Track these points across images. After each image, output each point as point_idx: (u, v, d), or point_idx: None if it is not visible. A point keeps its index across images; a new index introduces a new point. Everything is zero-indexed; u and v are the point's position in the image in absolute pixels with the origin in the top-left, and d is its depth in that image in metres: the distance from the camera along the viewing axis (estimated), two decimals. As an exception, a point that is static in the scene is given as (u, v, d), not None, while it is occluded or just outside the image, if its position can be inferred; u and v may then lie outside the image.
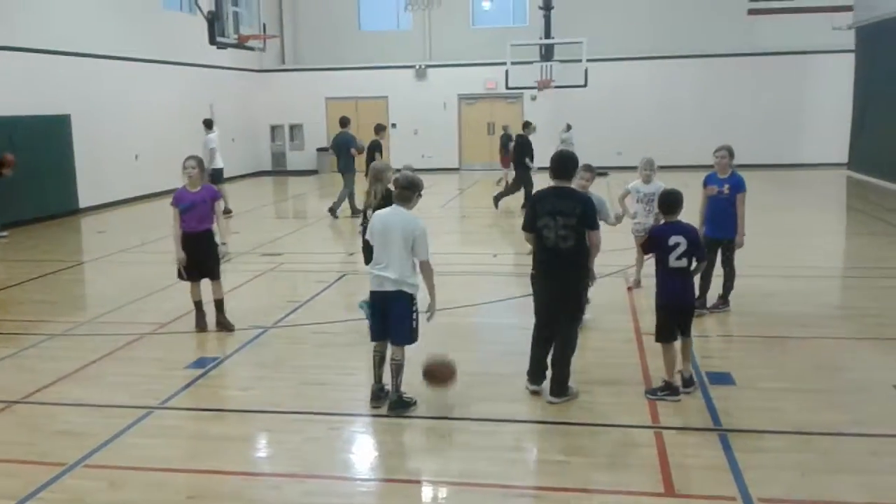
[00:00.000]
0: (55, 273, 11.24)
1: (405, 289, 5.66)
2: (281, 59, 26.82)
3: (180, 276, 7.85)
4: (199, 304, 7.98)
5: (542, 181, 7.39)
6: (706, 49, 23.98)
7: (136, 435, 5.54)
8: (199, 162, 7.84)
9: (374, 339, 5.90)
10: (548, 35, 23.38)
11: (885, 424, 5.42)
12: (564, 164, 5.97)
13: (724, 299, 8.24)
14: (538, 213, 5.86)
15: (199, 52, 18.96)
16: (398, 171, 6.49)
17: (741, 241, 7.99)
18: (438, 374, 5.78)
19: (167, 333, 7.99)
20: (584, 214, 5.74)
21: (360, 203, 15.75)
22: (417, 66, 25.95)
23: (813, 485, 4.62)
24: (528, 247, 6.16)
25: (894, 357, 6.93)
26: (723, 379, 6.30)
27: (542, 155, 22.38)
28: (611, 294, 8.94)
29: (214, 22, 14.79)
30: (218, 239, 7.86)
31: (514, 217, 17.09)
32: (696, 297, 7.03)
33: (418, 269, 5.76)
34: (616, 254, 9.67)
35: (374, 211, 6.30)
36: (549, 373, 6.04)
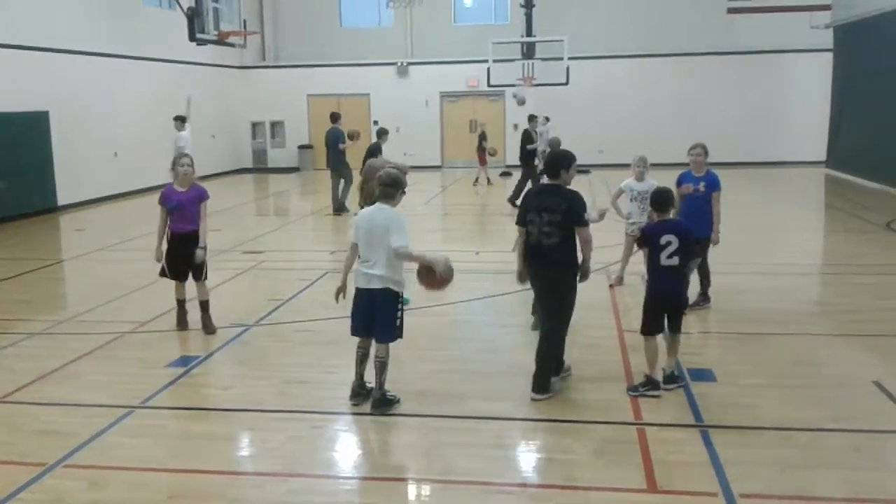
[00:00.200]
0: (34, 271, 11.13)
1: (391, 286, 5.67)
2: (262, 55, 26.70)
3: (163, 273, 7.75)
4: (181, 303, 7.89)
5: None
6: (686, 47, 24.13)
7: (118, 434, 5.50)
8: (192, 160, 7.73)
9: (354, 333, 5.89)
10: (529, 33, 23.42)
11: (865, 420, 5.49)
12: (554, 161, 6.01)
13: (704, 295, 8.32)
14: (528, 208, 5.94)
15: (179, 48, 18.87)
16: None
17: (717, 238, 8.05)
18: (432, 279, 5.73)
19: (148, 332, 7.93)
20: (569, 211, 5.75)
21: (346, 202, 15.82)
22: (399, 64, 25.91)
23: (793, 480, 4.67)
24: (512, 244, 6.17)
25: (872, 353, 7.01)
26: (703, 375, 6.35)
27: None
28: (592, 292, 8.95)
29: (194, 18, 14.74)
30: (201, 242, 7.66)
31: (496, 215, 17.14)
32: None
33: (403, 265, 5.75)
34: (596, 251, 9.69)
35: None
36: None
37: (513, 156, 25.11)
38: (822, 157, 22.73)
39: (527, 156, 16.83)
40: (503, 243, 12.75)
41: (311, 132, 26.76)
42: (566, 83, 22.09)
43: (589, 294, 8.65)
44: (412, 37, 26.13)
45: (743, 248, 11.08)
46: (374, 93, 25.90)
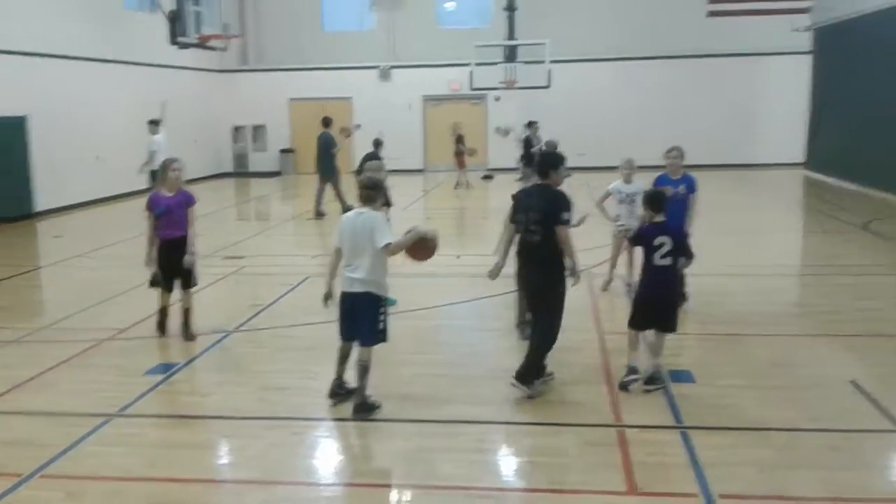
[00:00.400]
0: (10, 278, 11.01)
1: (373, 290, 5.70)
2: (243, 59, 26.56)
3: (155, 283, 7.59)
4: (165, 310, 7.78)
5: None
6: (666, 50, 24.25)
7: (95, 443, 5.45)
8: (182, 165, 7.63)
9: (343, 339, 5.93)
10: (511, 36, 23.46)
11: (843, 420, 5.54)
12: (542, 162, 6.24)
13: (682, 296, 8.34)
14: (517, 208, 6.14)
15: (160, 51, 18.73)
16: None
17: None
18: (422, 249, 5.86)
19: (126, 339, 7.86)
20: (550, 209, 5.85)
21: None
22: (382, 67, 25.88)
23: (772, 480, 4.70)
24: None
25: (850, 353, 7.07)
26: (682, 377, 6.38)
27: (509, 155, 22.53)
28: (572, 294, 8.97)
29: (175, 22, 14.66)
30: (189, 247, 7.56)
31: (477, 219, 17.15)
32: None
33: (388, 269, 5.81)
34: (581, 253, 9.71)
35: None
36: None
37: (495, 158, 25.26)
38: (801, 158, 22.91)
39: (529, 160, 16.84)
40: (484, 247, 12.75)
41: (293, 136, 26.67)
42: (548, 86, 22.15)
43: (569, 297, 8.68)
44: (395, 40, 26.09)
45: (722, 249, 11.14)
46: (356, 96, 25.84)
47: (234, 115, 26.41)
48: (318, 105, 25.68)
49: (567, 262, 5.96)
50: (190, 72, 23.44)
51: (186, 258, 7.52)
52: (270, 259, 12.19)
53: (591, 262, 10.01)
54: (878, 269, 10.47)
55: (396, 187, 9.00)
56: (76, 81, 18.06)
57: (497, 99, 25.24)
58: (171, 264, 7.50)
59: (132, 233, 14.45)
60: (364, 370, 5.76)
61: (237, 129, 26.79)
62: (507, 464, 5.24)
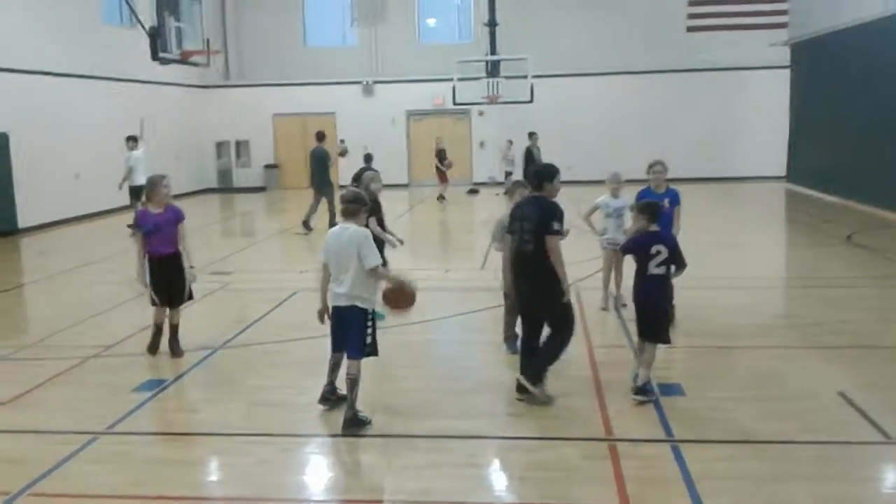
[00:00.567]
0: (-7, 295, 10.90)
1: (358, 303, 5.72)
2: (226, 74, 26.54)
3: (154, 302, 7.46)
4: (159, 328, 7.61)
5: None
6: (648, 65, 24.47)
7: (82, 461, 5.38)
8: (170, 180, 7.58)
9: (333, 350, 6.00)
10: (493, 51, 23.60)
11: (834, 431, 5.56)
12: (537, 174, 6.41)
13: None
14: (513, 218, 6.32)
15: (141, 67, 18.64)
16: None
17: None
18: (401, 299, 5.87)
19: (113, 356, 7.78)
20: (541, 219, 5.97)
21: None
22: (365, 82, 25.93)
23: (765, 494, 4.71)
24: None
25: (837, 365, 7.12)
26: (672, 390, 6.39)
27: (494, 169, 22.66)
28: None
29: (156, 37, 14.59)
30: (186, 263, 7.50)
31: (464, 233, 17.19)
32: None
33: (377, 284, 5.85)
34: (568, 266, 9.74)
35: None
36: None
37: (479, 173, 25.36)
38: (782, 171, 23.14)
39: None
40: (471, 261, 12.77)
41: (277, 151, 26.63)
42: (530, 101, 22.28)
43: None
44: (377, 56, 26.17)
45: (707, 262, 11.18)
46: (339, 111, 25.85)
47: (217, 130, 26.33)
48: (301, 120, 25.75)
49: (559, 273, 6.00)
50: (172, 87, 23.37)
51: (190, 272, 7.48)
52: (257, 274, 12.13)
53: (578, 274, 10.03)
54: (862, 282, 10.58)
55: (383, 202, 8.98)
56: (56, 98, 17.96)
57: (481, 114, 25.35)
58: (165, 281, 7.40)
59: (115, 249, 14.44)
60: (353, 383, 5.74)
61: (220, 145, 26.71)
62: (499, 478, 5.23)
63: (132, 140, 16.24)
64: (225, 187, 26.53)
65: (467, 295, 10.03)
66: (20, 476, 5.09)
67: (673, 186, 8.26)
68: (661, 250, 6.13)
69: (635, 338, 6.51)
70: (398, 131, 26.13)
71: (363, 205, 5.85)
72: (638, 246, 6.28)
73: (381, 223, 8.62)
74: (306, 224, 15.67)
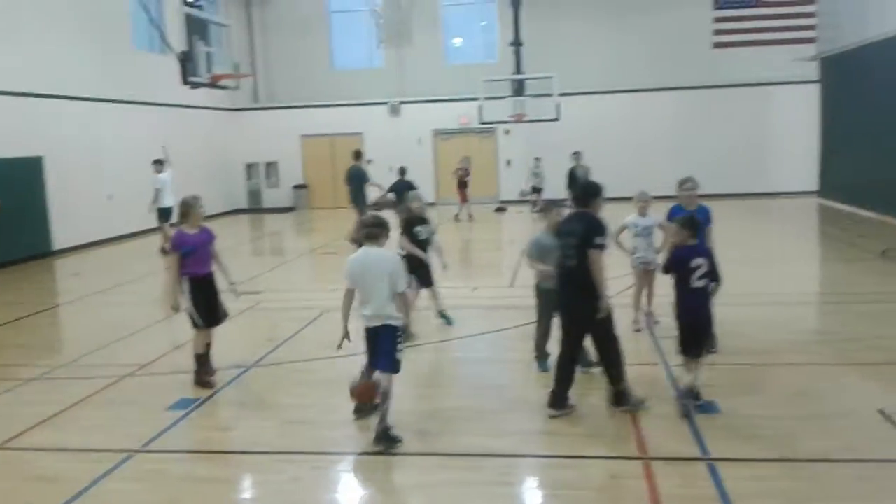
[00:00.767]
0: (30, 316, 11.06)
1: (390, 322, 5.82)
2: (254, 97, 26.88)
3: (196, 324, 7.37)
4: (203, 358, 7.42)
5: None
6: (675, 81, 24.37)
7: (117, 480, 5.43)
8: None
9: (369, 369, 6.10)
10: (518, 70, 23.67)
11: (872, 450, 5.46)
12: (584, 191, 6.51)
13: None
14: (559, 234, 6.53)
15: (171, 91, 18.94)
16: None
17: None
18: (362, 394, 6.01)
19: (147, 375, 7.86)
20: (585, 234, 6.06)
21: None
22: (391, 103, 26.11)
23: (803, 512, 4.63)
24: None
25: (876, 382, 6.99)
26: (708, 407, 6.30)
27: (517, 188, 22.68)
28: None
29: (187, 62, 14.83)
30: (226, 280, 7.53)
31: (491, 251, 17.17)
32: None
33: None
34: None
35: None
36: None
37: (506, 191, 25.37)
38: (814, 186, 22.88)
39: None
40: (499, 279, 12.75)
41: (306, 172, 26.87)
42: (557, 119, 22.27)
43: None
44: (404, 76, 26.37)
45: (741, 279, 11.04)
46: (367, 132, 26.05)
47: (246, 152, 26.65)
48: (329, 140, 25.99)
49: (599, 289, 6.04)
50: (202, 111, 23.72)
51: (234, 288, 7.61)
52: (287, 294, 12.21)
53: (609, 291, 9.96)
54: (898, 297, 10.39)
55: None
56: (89, 122, 18.31)
57: (507, 132, 25.40)
58: (204, 301, 7.37)
59: (147, 270, 14.62)
60: (385, 397, 5.79)
61: (250, 166, 27.02)
62: (531, 497, 5.20)
63: (158, 163, 16.56)
64: (255, 207, 26.82)
65: (495, 313, 10.00)
66: (56, 494, 5.15)
67: (703, 203, 8.19)
68: (702, 263, 6.18)
69: (672, 355, 6.47)
70: (425, 150, 26.25)
71: (385, 229, 5.97)
72: (678, 261, 6.29)
73: (416, 241, 9.03)
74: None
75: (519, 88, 23.41)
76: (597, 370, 6.86)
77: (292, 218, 24.76)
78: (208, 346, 7.53)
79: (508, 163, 25.80)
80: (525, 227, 19.48)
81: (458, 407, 6.68)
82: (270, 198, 26.88)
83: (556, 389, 6.27)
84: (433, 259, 9.28)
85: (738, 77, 23.99)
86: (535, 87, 23.06)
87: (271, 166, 27.05)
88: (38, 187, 16.62)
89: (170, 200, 16.02)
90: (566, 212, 7.08)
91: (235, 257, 16.26)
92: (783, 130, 24.11)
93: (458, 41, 27.01)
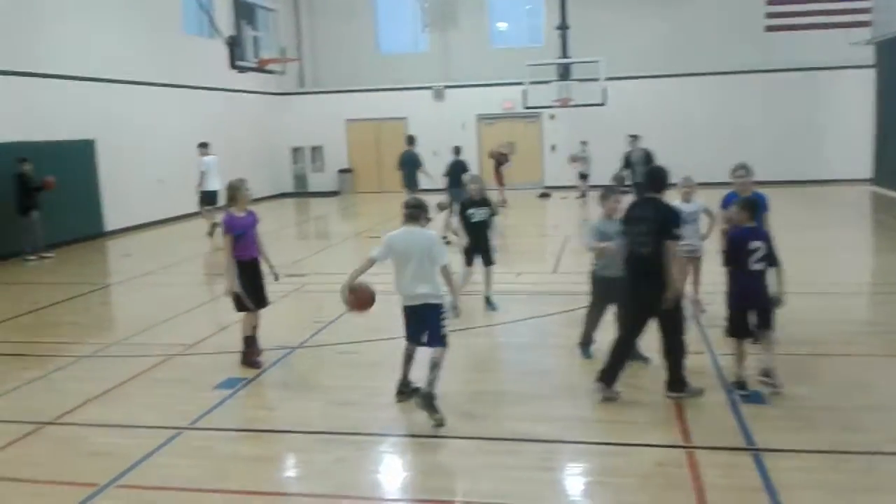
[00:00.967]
0: (83, 295, 11.35)
1: (432, 300, 6.02)
2: (301, 81, 27.07)
3: (241, 307, 7.43)
4: (251, 340, 7.51)
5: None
6: (724, 66, 23.91)
7: (166, 455, 5.57)
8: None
9: (408, 342, 6.25)
10: (564, 54, 23.42)
11: (923, 443, 5.34)
12: (651, 177, 6.44)
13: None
14: (627, 220, 6.38)
15: (219, 76, 19.17)
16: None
17: None
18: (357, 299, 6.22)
19: (195, 354, 8.03)
20: (662, 223, 6.00)
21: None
22: (436, 87, 26.07)
23: (850, 504, 4.55)
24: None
25: (928, 374, 6.83)
26: (754, 397, 6.22)
27: (563, 174, 22.53)
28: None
29: (234, 46, 14.98)
30: (267, 264, 7.61)
31: (535, 237, 17.10)
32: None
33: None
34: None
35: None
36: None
37: (550, 176, 25.20)
38: (868, 174, 22.29)
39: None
40: (543, 264, 12.71)
41: (351, 156, 27.02)
42: (603, 104, 21.99)
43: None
44: (449, 60, 26.31)
45: (793, 267, 10.82)
46: (411, 116, 26.07)
47: (292, 136, 26.88)
48: (373, 125, 26.09)
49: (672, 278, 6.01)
50: (249, 95, 23.97)
51: (277, 273, 7.69)
52: (332, 277, 12.29)
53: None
54: (954, 288, 10.11)
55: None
56: (140, 105, 18.64)
57: (552, 117, 25.20)
58: (252, 284, 7.44)
59: (195, 252, 14.89)
60: (435, 365, 5.96)
61: (296, 151, 27.25)
62: (573, 483, 5.18)
63: (203, 146, 16.80)
64: (300, 192, 27.06)
65: (538, 298, 9.98)
66: (109, 468, 5.29)
67: (760, 191, 8.02)
68: (760, 246, 6.13)
69: (719, 344, 6.40)
70: (469, 135, 26.17)
71: (424, 211, 6.15)
72: (737, 244, 6.23)
73: (468, 223, 9.23)
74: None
75: (564, 73, 23.16)
76: (641, 363, 6.85)
77: (337, 202, 24.95)
78: (255, 328, 7.63)
79: (553, 148, 25.61)
80: (570, 214, 19.36)
81: (502, 391, 6.71)
82: (316, 182, 27.10)
83: (609, 368, 6.25)
84: (493, 241, 9.38)
85: (791, 61, 23.44)
86: (581, 71, 22.79)
87: (316, 151, 27.25)
88: (90, 170, 17.00)
89: (214, 184, 16.25)
90: (624, 198, 7.06)
91: (281, 241, 16.50)
92: (837, 117, 23.51)
93: (503, 25, 26.81)
